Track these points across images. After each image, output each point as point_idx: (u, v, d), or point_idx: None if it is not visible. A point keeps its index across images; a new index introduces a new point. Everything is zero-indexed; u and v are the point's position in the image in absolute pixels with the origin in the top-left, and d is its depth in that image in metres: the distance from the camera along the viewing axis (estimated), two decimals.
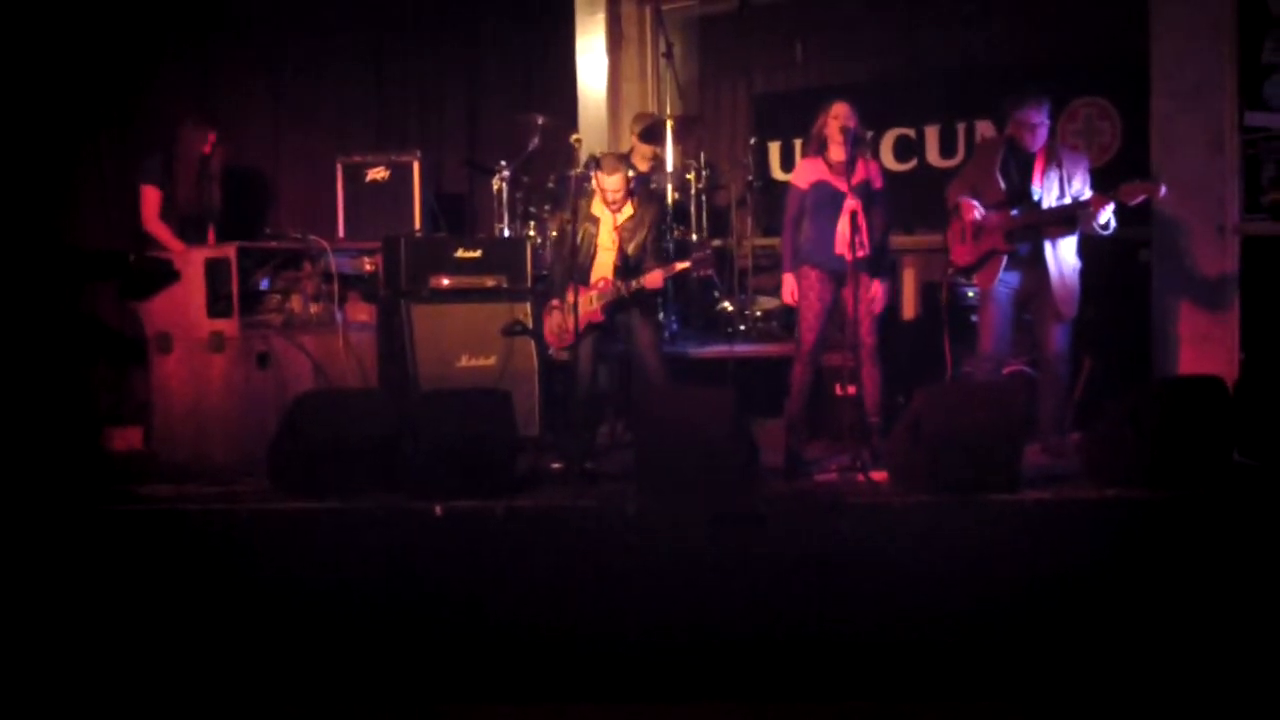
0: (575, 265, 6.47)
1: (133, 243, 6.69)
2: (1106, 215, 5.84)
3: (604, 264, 6.52)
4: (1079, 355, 6.43)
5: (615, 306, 6.46)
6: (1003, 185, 6.07)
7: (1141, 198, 5.79)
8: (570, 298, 6.37)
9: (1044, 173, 6.02)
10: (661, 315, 7.28)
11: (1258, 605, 4.71)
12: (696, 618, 4.88)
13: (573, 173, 6.76)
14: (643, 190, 7.00)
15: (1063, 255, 6.02)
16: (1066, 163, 6.06)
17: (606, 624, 4.91)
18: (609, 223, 6.47)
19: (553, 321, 6.57)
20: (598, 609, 4.94)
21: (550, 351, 6.69)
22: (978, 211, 6.08)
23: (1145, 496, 5.12)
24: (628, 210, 6.50)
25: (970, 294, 6.86)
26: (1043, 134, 6.03)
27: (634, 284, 6.37)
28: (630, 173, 6.69)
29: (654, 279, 6.37)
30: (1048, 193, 6.01)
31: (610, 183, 6.39)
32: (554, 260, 6.73)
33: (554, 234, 7.10)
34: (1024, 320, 6.29)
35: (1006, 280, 6.10)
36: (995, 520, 5.02)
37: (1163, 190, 5.79)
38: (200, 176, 6.83)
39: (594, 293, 6.45)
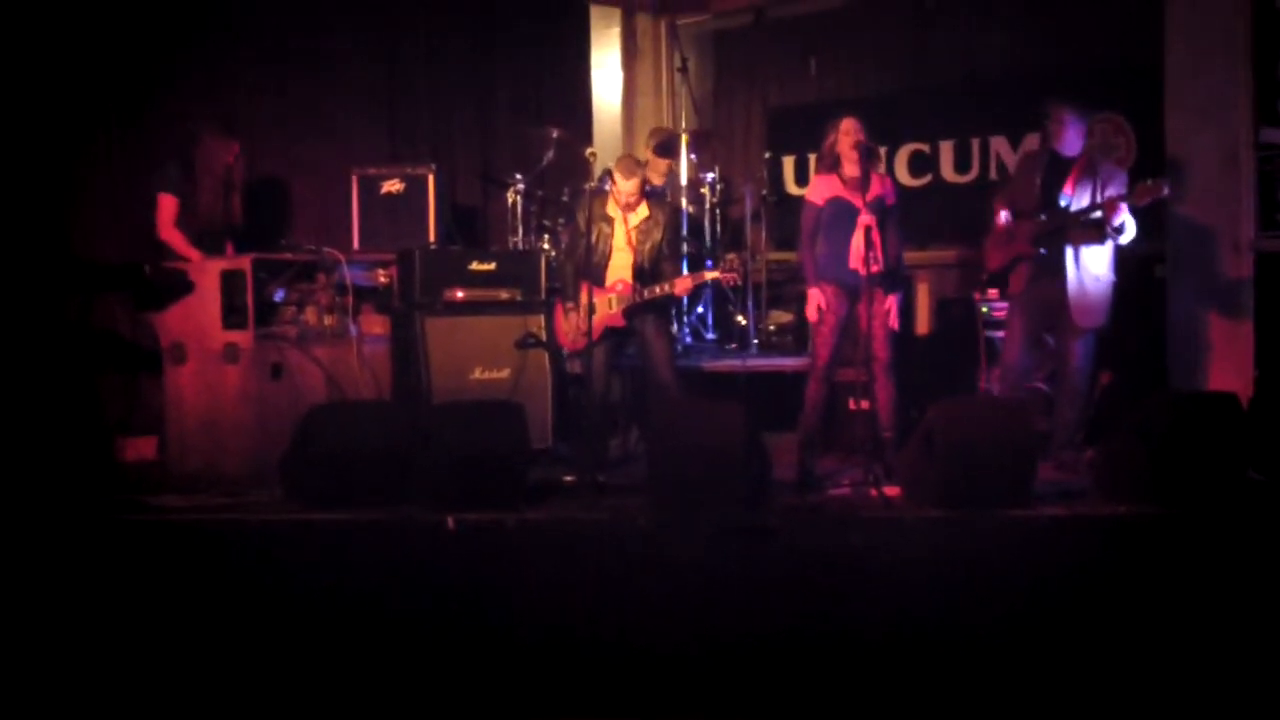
0: (590, 265, 6.40)
1: (143, 249, 6.67)
2: (1121, 218, 5.88)
3: (620, 265, 6.49)
4: (1098, 370, 6.42)
5: (633, 311, 6.45)
6: (1038, 191, 6.12)
7: (1149, 199, 5.84)
8: (584, 298, 6.26)
9: (1077, 181, 6.08)
10: (674, 328, 7.28)
11: (1270, 622, 4.69)
12: (707, 631, 4.88)
13: (587, 186, 6.77)
14: (657, 196, 7.00)
15: (1086, 263, 6.03)
16: (1103, 173, 6.12)
17: (617, 636, 4.91)
18: (623, 223, 6.48)
19: (569, 322, 6.49)
20: (608, 621, 4.93)
21: (565, 354, 6.67)
22: (1006, 216, 6.20)
23: (1157, 512, 5.10)
24: (642, 211, 6.50)
25: (984, 309, 6.85)
26: (1071, 135, 6.09)
27: (659, 289, 6.35)
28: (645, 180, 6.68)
29: (683, 285, 6.37)
30: (1077, 200, 6.06)
31: (626, 186, 6.40)
32: (565, 258, 6.67)
33: (566, 240, 7.09)
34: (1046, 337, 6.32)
35: (1031, 288, 6.13)
36: (1007, 535, 5.01)
37: (1165, 189, 5.86)
38: (224, 187, 6.83)
39: (612, 295, 6.43)
